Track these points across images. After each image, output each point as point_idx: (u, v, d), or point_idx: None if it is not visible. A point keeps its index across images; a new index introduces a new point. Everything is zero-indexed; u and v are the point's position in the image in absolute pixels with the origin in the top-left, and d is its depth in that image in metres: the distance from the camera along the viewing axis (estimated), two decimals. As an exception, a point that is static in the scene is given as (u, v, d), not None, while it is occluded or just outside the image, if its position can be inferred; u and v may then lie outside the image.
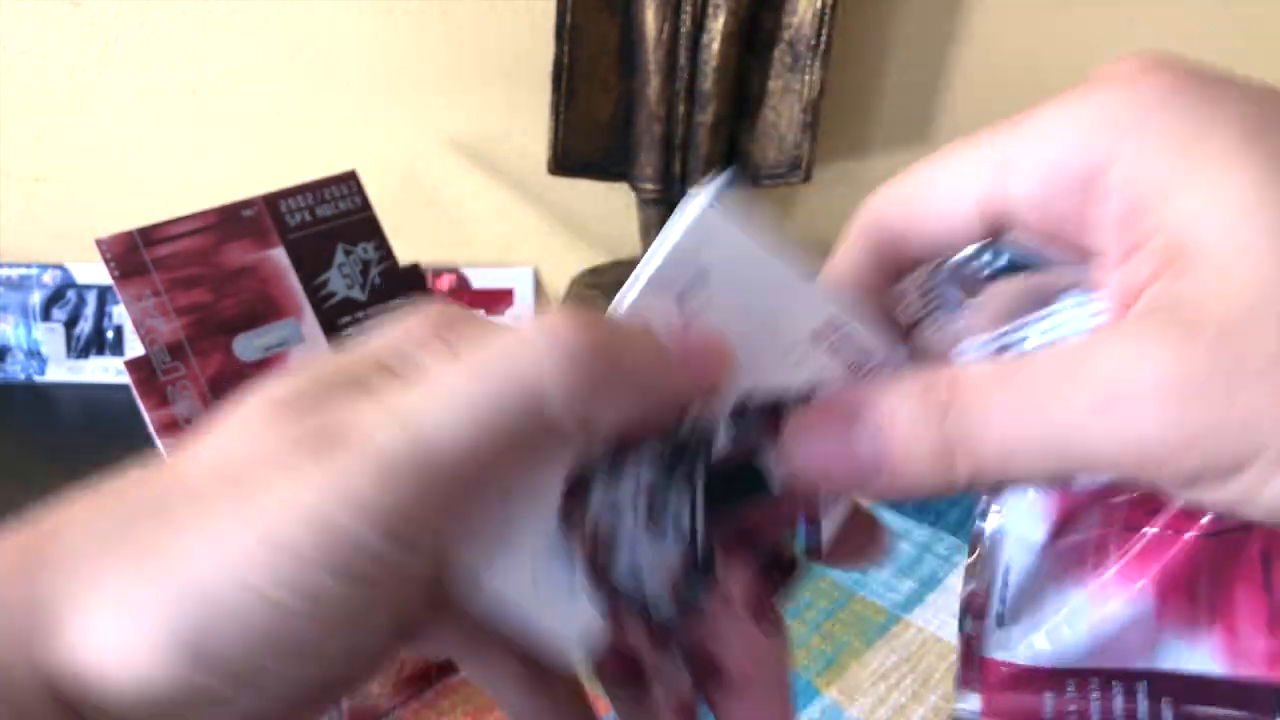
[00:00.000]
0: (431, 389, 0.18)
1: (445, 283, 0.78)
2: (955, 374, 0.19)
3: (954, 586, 0.55)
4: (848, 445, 0.20)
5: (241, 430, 0.18)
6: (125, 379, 0.51)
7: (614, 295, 0.21)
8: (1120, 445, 0.17)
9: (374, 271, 0.57)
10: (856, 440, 0.20)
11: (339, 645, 0.18)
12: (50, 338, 0.75)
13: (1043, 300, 0.21)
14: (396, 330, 0.20)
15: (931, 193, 0.21)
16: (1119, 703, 0.22)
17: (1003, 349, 0.21)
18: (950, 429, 0.19)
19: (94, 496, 0.18)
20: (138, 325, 0.51)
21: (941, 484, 0.19)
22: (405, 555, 0.17)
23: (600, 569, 0.21)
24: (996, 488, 0.20)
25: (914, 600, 0.54)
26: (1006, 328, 0.21)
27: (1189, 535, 0.22)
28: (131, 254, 0.52)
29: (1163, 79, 0.19)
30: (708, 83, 0.67)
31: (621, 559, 0.21)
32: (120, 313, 0.75)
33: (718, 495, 0.22)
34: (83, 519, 0.18)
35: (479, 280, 0.78)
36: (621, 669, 0.23)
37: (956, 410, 0.19)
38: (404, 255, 0.59)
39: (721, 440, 0.22)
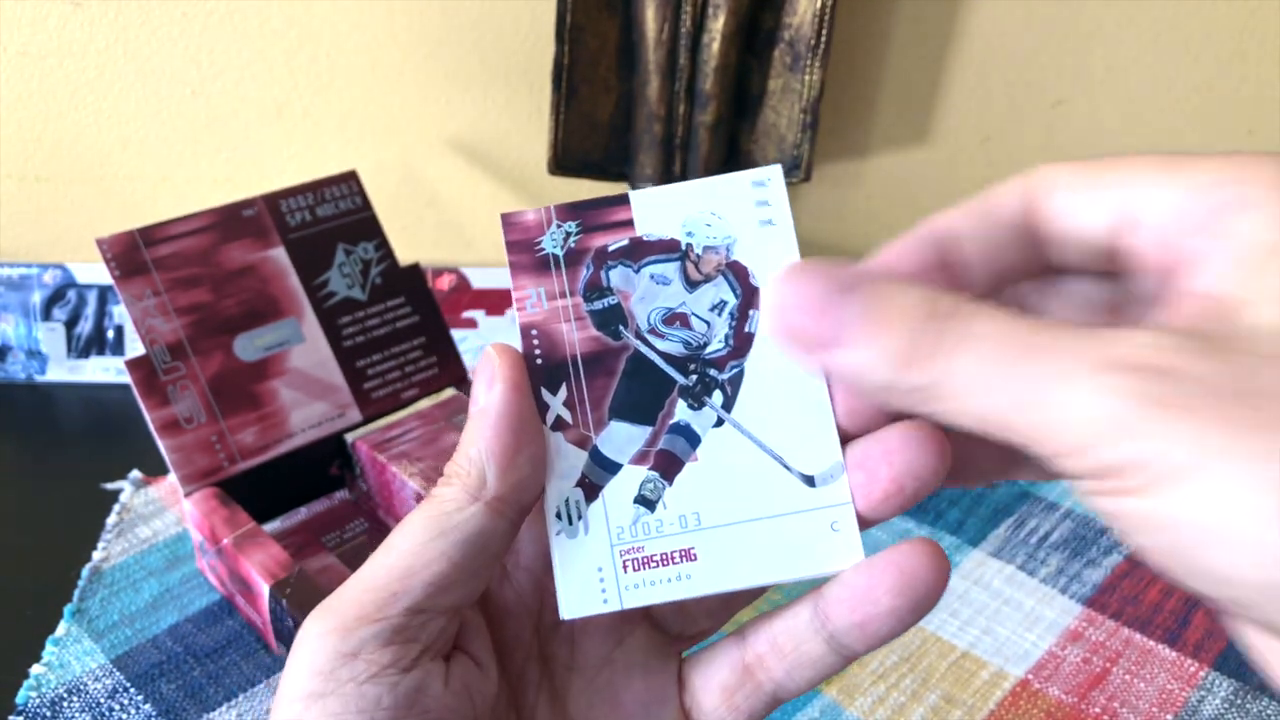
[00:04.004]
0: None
1: (445, 282, 0.78)
2: (965, 302, 0.20)
3: (953, 586, 0.55)
4: (833, 302, 0.21)
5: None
6: (125, 379, 0.51)
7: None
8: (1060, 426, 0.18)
9: (374, 271, 0.57)
10: (843, 302, 0.20)
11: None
12: (50, 337, 0.75)
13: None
14: None
15: (1074, 202, 0.22)
16: None
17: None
18: (932, 340, 0.20)
19: None
20: (138, 325, 0.51)
21: (887, 380, 0.20)
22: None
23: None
24: (927, 415, 0.21)
25: (914, 600, 0.54)
26: None
27: None
28: (132, 254, 0.52)
29: None
30: (708, 83, 0.67)
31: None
32: (121, 312, 0.75)
33: None
34: None
35: (479, 280, 0.78)
36: None
37: (952, 330, 0.19)
38: (404, 255, 0.60)
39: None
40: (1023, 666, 0.50)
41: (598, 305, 0.24)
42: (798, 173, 0.69)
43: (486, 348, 0.24)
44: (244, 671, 0.50)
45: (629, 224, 0.25)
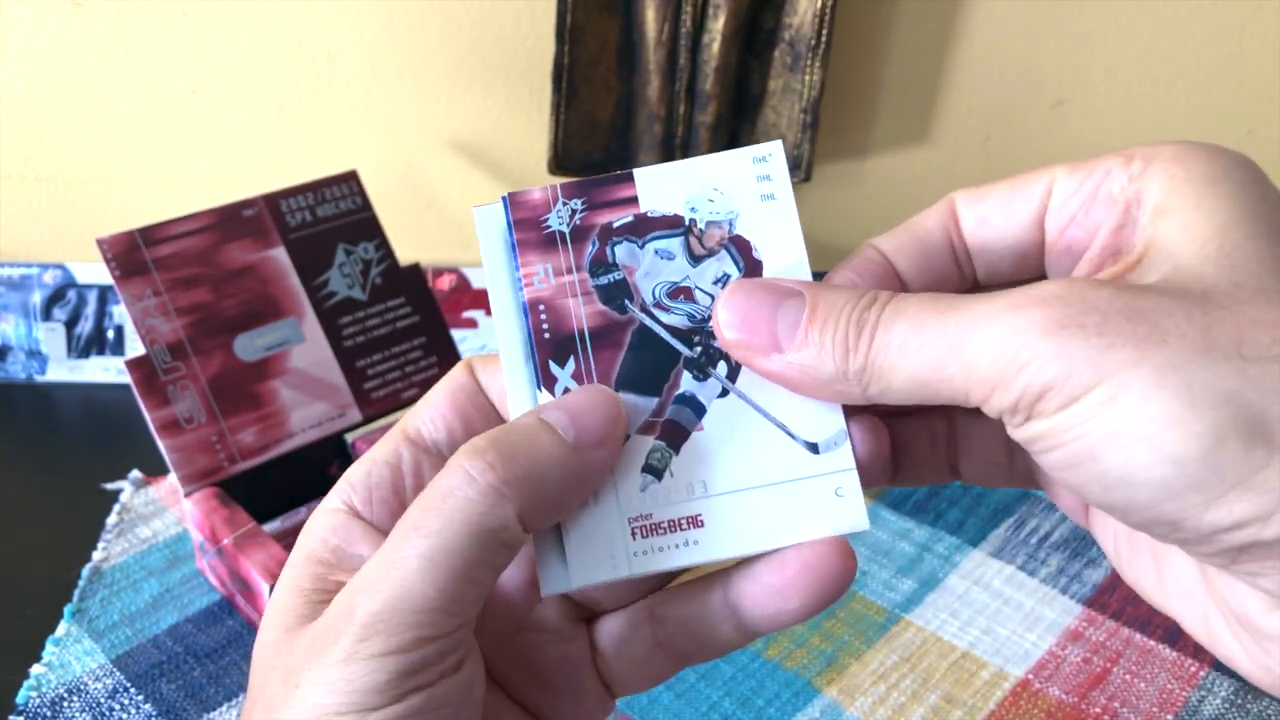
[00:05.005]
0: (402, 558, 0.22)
1: (445, 282, 0.78)
2: (898, 294, 0.22)
3: (954, 587, 0.55)
4: (773, 309, 0.22)
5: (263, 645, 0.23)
6: (125, 379, 0.51)
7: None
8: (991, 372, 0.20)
9: (374, 271, 0.58)
10: (782, 311, 0.22)
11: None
12: (50, 337, 0.75)
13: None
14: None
15: (1010, 200, 0.24)
16: None
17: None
18: (865, 323, 0.21)
19: None
20: (138, 325, 0.51)
21: (833, 371, 0.22)
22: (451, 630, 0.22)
23: None
24: (876, 396, 0.22)
25: (914, 600, 0.54)
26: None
27: None
28: (132, 254, 0.52)
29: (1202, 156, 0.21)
30: (708, 83, 0.67)
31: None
32: (121, 312, 0.75)
33: None
34: None
35: (479, 280, 0.78)
36: None
37: (880, 311, 0.21)
38: (404, 255, 0.60)
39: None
40: (1023, 666, 0.50)
41: (603, 280, 0.25)
42: (798, 173, 0.69)
43: (602, 390, 0.24)
44: (244, 671, 0.50)
45: (633, 201, 0.25)
